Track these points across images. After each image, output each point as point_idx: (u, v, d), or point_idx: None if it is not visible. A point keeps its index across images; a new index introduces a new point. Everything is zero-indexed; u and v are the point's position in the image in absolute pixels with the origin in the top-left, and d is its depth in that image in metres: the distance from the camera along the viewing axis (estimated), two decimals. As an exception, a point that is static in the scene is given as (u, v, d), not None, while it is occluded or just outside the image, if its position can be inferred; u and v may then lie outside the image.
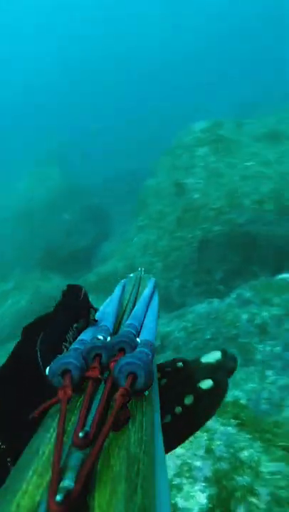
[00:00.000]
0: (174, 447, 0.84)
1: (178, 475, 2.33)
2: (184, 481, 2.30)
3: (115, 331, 1.07)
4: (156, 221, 8.57)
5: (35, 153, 16.24)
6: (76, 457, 0.47)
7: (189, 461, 2.40)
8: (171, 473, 2.33)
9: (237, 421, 2.73)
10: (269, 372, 4.46)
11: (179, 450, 2.41)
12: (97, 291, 6.38)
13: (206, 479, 2.29)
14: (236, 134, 9.46)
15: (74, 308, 1.00)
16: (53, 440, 0.54)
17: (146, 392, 0.69)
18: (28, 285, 9.46)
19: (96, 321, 1.03)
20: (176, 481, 2.30)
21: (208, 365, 0.95)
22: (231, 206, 7.26)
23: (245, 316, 5.15)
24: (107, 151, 17.85)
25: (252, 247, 6.71)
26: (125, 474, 0.46)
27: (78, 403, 0.65)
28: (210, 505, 2.15)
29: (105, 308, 1.18)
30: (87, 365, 0.73)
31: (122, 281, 1.78)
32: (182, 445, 0.82)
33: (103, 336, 0.86)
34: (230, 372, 0.94)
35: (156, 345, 0.94)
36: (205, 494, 2.22)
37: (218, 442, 2.53)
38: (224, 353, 0.99)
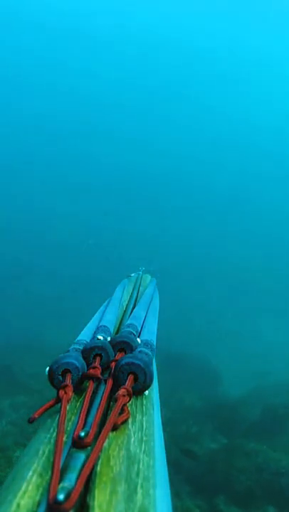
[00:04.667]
0: None
1: None
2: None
3: (116, 331, 1.07)
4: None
5: None
6: (76, 457, 0.47)
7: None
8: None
9: None
10: None
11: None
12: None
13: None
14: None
15: None
16: (52, 440, 0.54)
17: (147, 392, 0.69)
18: None
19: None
20: None
21: None
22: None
23: None
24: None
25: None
26: (125, 474, 0.46)
27: (78, 403, 0.65)
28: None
29: (106, 309, 1.18)
30: (88, 365, 0.73)
31: (123, 281, 1.78)
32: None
33: (103, 336, 0.86)
34: None
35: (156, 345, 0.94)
36: None
37: None
38: None
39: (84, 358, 0.74)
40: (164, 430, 0.67)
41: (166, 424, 0.72)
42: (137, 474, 0.46)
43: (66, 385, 0.64)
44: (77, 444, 0.49)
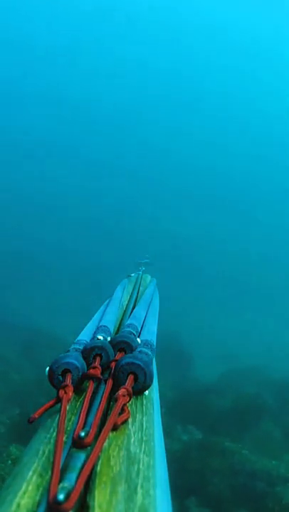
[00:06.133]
0: None
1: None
2: None
3: (116, 331, 1.07)
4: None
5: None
6: (76, 457, 0.47)
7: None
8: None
9: None
10: None
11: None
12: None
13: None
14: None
15: None
16: (52, 440, 0.54)
17: (147, 392, 0.69)
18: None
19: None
20: None
21: None
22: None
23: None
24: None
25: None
26: (125, 474, 0.46)
27: (78, 403, 0.65)
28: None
29: (106, 308, 1.18)
30: (88, 365, 0.73)
31: (123, 281, 1.78)
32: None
33: (103, 336, 0.86)
34: None
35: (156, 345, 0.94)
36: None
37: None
38: None
39: (84, 358, 0.74)
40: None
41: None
42: (137, 474, 0.47)
43: (66, 385, 0.64)
44: (77, 443, 0.49)
